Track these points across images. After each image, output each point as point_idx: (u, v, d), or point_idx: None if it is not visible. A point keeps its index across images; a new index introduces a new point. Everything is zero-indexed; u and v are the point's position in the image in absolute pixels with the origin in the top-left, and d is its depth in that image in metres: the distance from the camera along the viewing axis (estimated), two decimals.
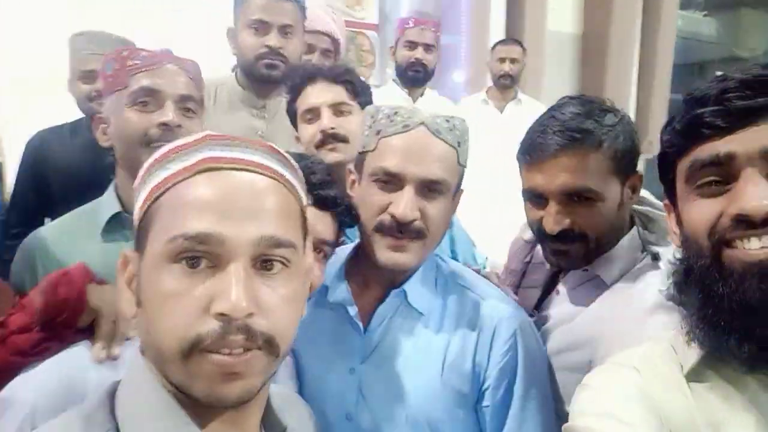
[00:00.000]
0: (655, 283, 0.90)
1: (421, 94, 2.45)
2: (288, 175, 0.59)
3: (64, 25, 1.95)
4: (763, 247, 0.57)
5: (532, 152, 0.96)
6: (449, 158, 0.91)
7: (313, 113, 1.29)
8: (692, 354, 0.65)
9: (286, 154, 0.61)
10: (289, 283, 0.55)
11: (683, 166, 0.65)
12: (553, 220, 0.93)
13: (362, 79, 1.38)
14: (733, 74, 0.62)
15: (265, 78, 1.54)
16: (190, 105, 1.10)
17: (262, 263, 0.54)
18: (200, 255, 0.51)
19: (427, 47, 2.35)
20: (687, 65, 4.78)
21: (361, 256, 0.98)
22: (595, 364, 0.86)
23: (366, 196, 0.92)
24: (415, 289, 0.95)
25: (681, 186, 0.67)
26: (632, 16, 3.56)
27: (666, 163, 0.69)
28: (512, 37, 3.17)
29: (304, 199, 0.63)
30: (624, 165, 0.96)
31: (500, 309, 0.94)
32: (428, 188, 0.89)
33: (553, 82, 3.44)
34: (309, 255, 0.64)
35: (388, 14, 3.34)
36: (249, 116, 1.57)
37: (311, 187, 0.88)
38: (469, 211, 2.55)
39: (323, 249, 0.94)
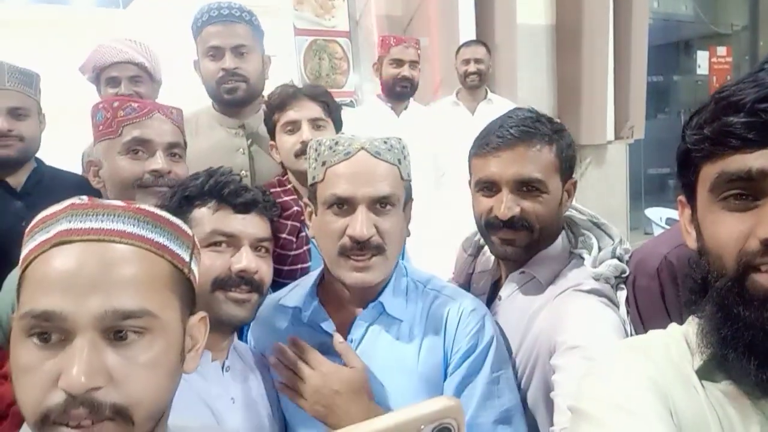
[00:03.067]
0: (583, 278, 1.02)
1: (405, 107, 2.53)
2: (159, 238, 0.60)
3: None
4: None
5: (489, 143, 1.05)
6: (392, 175, 0.99)
7: (294, 126, 1.43)
8: (704, 351, 0.63)
9: (162, 215, 0.63)
10: (150, 349, 0.56)
11: (708, 173, 0.62)
12: (505, 206, 1.02)
13: (340, 88, 1.49)
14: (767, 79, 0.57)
15: (229, 101, 1.61)
16: (177, 150, 1.23)
17: (116, 333, 0.55)
18: (49, 330, 0.53)
19: (412, 63, 2.46)
20: (668, 45, 4.77)
21: (329, 280, 1.06)
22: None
23: (323, 225, 0.99)
24: (390, 299, 1.02)
25: (704, 193, 0.63)
26: (604, 3, 3.55)
27: (688, 162, 0.65)
28: (483, 34, 3.19)
29: (186, 255, 0.65)
30: (566, 167, 1.06)
31: (466, 303, 1.02)
32: (379, 205, 0.97)
33: (528, 75, 3.45)
34: (194, 317, 0.66)
35: (358, 20, 3.36)
36: (229, 136, 1.64)
37: (229, 197, 0.98)
38: (448, 211, 2.62)
39: (262, 246, 1.02)
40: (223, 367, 0.98)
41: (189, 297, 0.65)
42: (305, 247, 1.36)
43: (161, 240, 0.61)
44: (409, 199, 1.05)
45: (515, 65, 3.33)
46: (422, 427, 0.44)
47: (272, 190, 1.41)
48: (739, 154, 0.58)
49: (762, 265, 0.56)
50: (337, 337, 0.99)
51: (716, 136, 0.60)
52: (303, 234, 1.35)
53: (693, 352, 0.65)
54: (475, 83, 2.84)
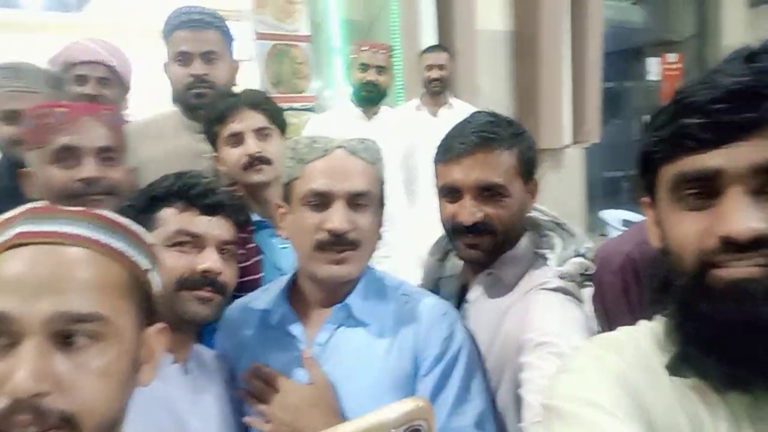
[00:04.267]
0: (548, 277, 1.04)
1: (375, 113, 2.53)
2: (117, 244, 0.59)
3: None
4: (746, 267, 0.56)
5: (451, 150, 1.06)
6: (369, 173, 1.00)
7: (237, 138, 1.39)
8: (671, 347, 0.64)
9: (122, 221, 0.61)
10: (103, 356, 0.55)
11: (667, 174, 0.64)
12: (468, 212, 1.03)
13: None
14: (722, 80, 0.58)
15: (196, 106, 1.58)
16: (111, 154, 1.17)
17: (66, 338, 0.53)
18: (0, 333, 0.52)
19: (379, 69, 2.45)
20: (620, 52, 4.92)
21: (301, 282, 1.05)
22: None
23: (299, 221, 0.99)
24: (357, 301, 1.01)
25: (664, 194, 0.65)
26: (560, 11, 3.64)
27: (649, 163, 0.67)
28: (444, 40, 3.22)
29: (144, 264, 0.63)
30: (527, 169, 1.08)
31: (437, 308, 1.03)
32: (356, 201, 0.97)
33: (488, 80, 3.50)
34: (152, 328, 0.64)
35: (319, 24, 3.35)
36: (195, 141, 1.60)
37: (196, 199, 0.98)
38: (415, 217, 2.63)
39: (227, 249, 1.01)
40: (184, 370, 0.96)
41: (146, 306, 0.63)
42: (254, 259, 1.33)
43: (119, 246, 0.60)
44: (382, 203, 1.05)
45: (475, 71, 3.37)
46: (393, 430, 0.44)
47: None
48: (696, 154, 0.59)
49: (721, 261, 0.58)
50: (305, 352, 0.98)
51: (673, 138, 0.61)
52: (252, 245, 1.32)
53: (662, 349, 0.66)
54: (438, 89, 2.87)
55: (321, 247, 0.96)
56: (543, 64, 3.62)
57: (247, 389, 0.99)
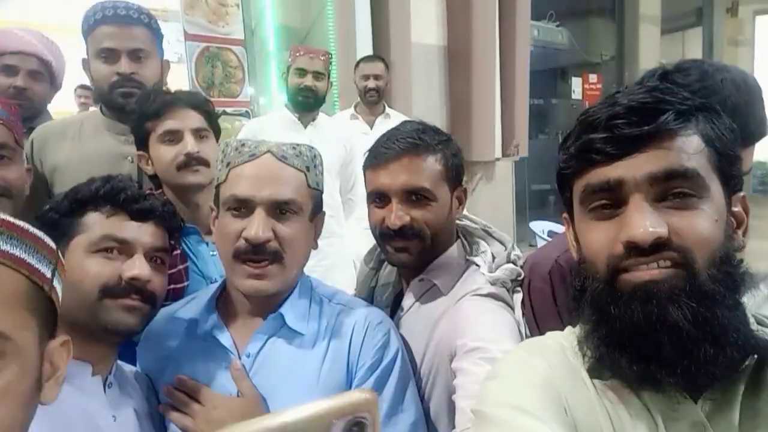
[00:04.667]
0: (480, 284, 1.06)
1: (313, 120, 2.47)
2: (15, 251, 0.54)
3: None
4: (648, 269, 0.60)
5: (378, 156, 1.07)
6: (298, 181, 0.96)
7: (175, 136, 1.32)
8: (589, 351, 0.67)
9: (20, 225, 0.56)
10: (1, 376, 0.51)
11: (578, 187, 0.68)
12: (395, 216, 1.04)
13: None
14: (621, 99, 0.64)
15: (122, 107, 1.49)
16: (4, 152, 1.09)
17: None
18: None
19: (317, 75, 2.40)
20: (547, 71, 5.16)
21: (230, 291, 1.01)
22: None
23: (221, 227, 0.95)
24: (291, 311, 0.97)
25: (577, 206, 0.69)
26: (490, 29, 3.76)
27: (564, 181, 0.72)
28: (379, 51, 3.25)
29: (47, 271, 0.58)
30: (453, 175, 1.10)
31: (371, 317, 1.01)
32: (279, 210, 0.93)
33: (422, 93, 3.56)
34: (55, 342, 0.59)
35: (253, 29, 3.29)
36: (117, 143, 1.52)
37: (125, 203, 0.94)
38: (351, 227, 2.61)
39: (157, 257, 0.96)
40: (105, 383, 0.90)
41: (49, 318, 0.58)
42: (180, 266, 1.27)
43: (17, 253, 0.54)
44: (319, 211, 1.03)
45: (410, 83, 3.42)
46: (334, 421, 0.42)
47: None
48: (600, 167, 0.64)
49: (628, 266, 0.62)
50: (234, 363, 0.94)
51: (580, 153, 0.66)
52: (177, 252, 1.26)
53: (582, 352, 0.69)
54: (374, 99, 2.88)
55: (238, 256, 0.92)
56: (475, 79, 3.72)
57: (170, 403, 0.94)
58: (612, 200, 0.64)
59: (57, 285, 0.60)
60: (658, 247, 0.60)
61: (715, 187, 0.63)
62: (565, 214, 0.76)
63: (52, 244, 0.60)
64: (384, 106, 2.97)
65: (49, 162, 1.49)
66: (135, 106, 1.43)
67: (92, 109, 1.68)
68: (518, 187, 4.31)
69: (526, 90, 4.05)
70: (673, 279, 0.60)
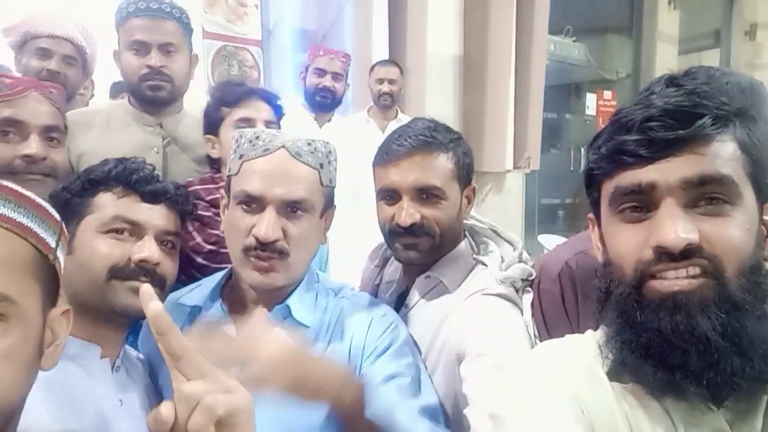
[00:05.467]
0: (489, 283, 1.04)
1: (329, 120, 2.49)
2: (22, 219, 0.55)
3: None
4: (677, 278, 0.59)
5: (390, 153, 1.06)
6: (311, 179, 0.95)
7: (249, 124, 1.41)
8: (611, 354, 0.66)
9: (27, 195, 0.57)
10: (5, 338, 0.52)
11: (607, 189, 0.67)
12: (406, 213, 1.03)
13: None
14: (656, 101, 0.62)
15: (151, 99, 1.52)
16: (55, 135, 1.11)
17: None
18: None
19: (336, 76, 2.43)
20: (561, 86, 5.15)
21: (236, 280, 1.00)
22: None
23: (232, 220, 0.95)
24: (297, 303, 0.97)
25: (605, 208, 0.68)
26: (507, 41, 3.77)
27: (592, 181, 0.71)
28: (395, 57, 3.25)
29: (52, 241, 0.59)
30: (464, 174, 1.09)
31: (376, 311, 1.00)
32: (290, 208, 0.92)
33: (436, 101, 3.56)
34: (56, 310, 0.60)
35: (271, 30, 3.31)
36: (144, 134, 1.54)
37: (137, 184, 0.94)
38: (356, 228, 2.60)
39: (168, 240, 0.96)
40: (113, 366, 0.90)
41: (52, 286, 0.59)
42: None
43: (24, 221, 0.55)
44: (330, 206, 1.02)
45: (424, 91, 3.43)
46: None
47: (206, 186, 1.34)
48: (632, 169, 0.63)
49: (656, 272, 0.60)
50: None
51: (611, 155, 0.65)
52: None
53: (602, 355, 0.68)
54: (388, 103, 2.88)
55: (248, 252, 0.92)
56: (489, 90, 3.72)
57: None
58: (642, 203, 0.63)
59: (60, 255, 0.61)
60: (688, 253, 0.59)
61: (748, 194, 0.62)
62: (590, 215, 0.75)
63: (57, 216, 0.61)
64: (397, 111, 2.97)
65: (75, 149, 1.50)
66: (163, 99, 1.50)
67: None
68: (528, 200, 4.29)
69: (540, 103, 4.05)
70: (702, 290, 0.59)
